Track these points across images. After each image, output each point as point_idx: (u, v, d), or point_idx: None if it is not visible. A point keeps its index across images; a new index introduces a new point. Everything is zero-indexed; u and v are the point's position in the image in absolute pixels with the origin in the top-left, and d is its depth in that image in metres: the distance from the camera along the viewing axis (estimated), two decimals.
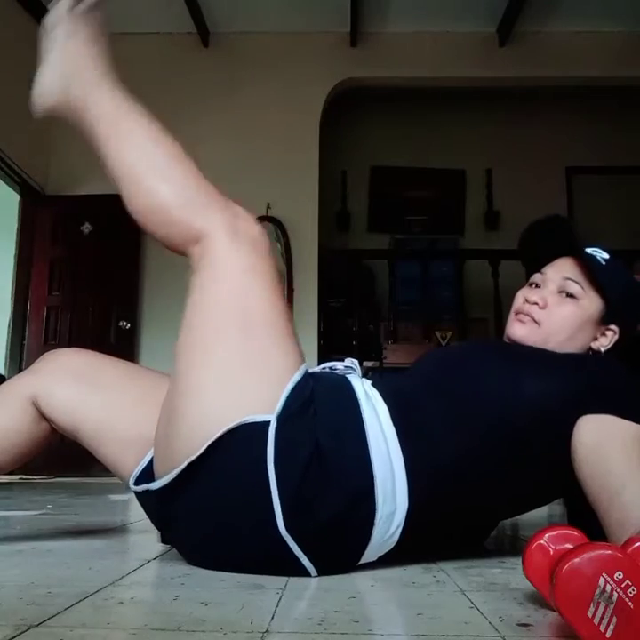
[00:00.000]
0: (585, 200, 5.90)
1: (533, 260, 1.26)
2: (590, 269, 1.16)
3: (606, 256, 1.20)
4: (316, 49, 4.94)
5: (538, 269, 1.23)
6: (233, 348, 1.00)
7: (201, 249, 1.03)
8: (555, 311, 1.17)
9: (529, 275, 1.26)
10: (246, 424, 0.96)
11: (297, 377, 1.01)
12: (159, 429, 1.05)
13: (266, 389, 0.99)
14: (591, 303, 1.16)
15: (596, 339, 1.17)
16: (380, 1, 4.65)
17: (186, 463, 0.97)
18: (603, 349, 1.16)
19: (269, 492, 0.95)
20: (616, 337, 1.16)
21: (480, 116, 5.92)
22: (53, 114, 1.16)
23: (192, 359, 1.01)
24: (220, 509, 0.98)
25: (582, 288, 1.16)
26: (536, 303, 1.18)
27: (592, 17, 4.76)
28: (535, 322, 1.17)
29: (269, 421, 0.96)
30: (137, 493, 1.10)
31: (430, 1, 4.65)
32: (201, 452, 0.96)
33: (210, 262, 1.03)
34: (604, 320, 1.17)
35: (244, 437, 0.96)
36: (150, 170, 1.07)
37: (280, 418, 0.97)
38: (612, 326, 1.16)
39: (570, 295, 1.17)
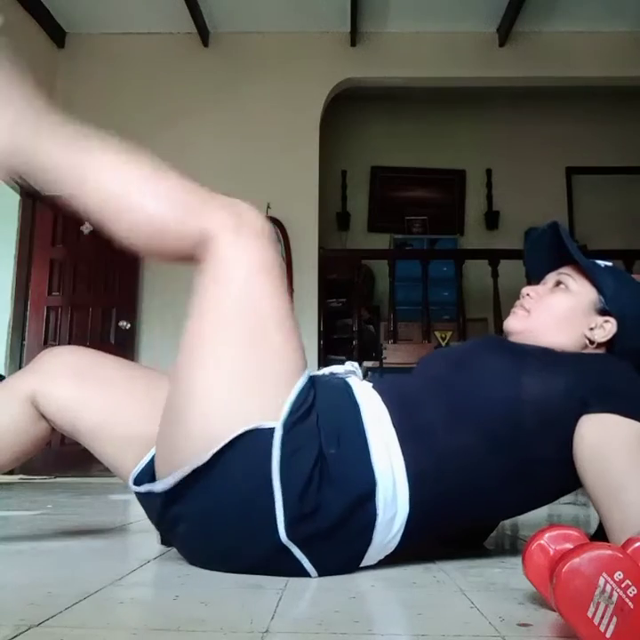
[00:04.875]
0: (585, 200, 5.90)
1: (539, 271, 1.28)
2: (581, 261, 1.17)
3: (610, 264, 1.22)
4: (316, 49, 4.94)
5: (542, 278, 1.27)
6: (239, 353, 0.99)
7: (205, 249, 1.00)
8: (545, 299, 1.20)
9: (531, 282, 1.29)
10: (252, 431, 0.95)
11: (301, 383, 1.01)
12: (162, 429, 1.04)
13: (271, 395, 0.98)
14: (582, 292, 1.17)
15: (591, 329, 1.17)
16: (380, 1, 4.65)
17: (191, 469, 0.96)
18: (600, 340, 1.16)
19: (273, 499, 0.94)
20: (614, 329, 1.16)
21: (480, 116, 5.92)
22: (10, 174, 1.08)
23: (197, 362, 1.00)
24: (221, 514, 0.97)
25: (574, 279, 1.18)
26: (528, 294, 1.21)
27: (592, 17, 4.76)
28: (526, 310, 1.20)
29: (274, 428, 0.96)
30: (138, 493, 1.09)
31: (430, 1, 4.65)
32: (208, 457, 0.95)
33: (215, 263, 1.00)
34: (601, 311, 1.17)
35: (250, 444, 0.95)
36: (130, 191, 1.02)
37: (285, 425, 0.96)
38: (610, 318, 1.16)
39: (562, 287, 1.19)
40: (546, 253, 1.25)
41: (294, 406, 0.98)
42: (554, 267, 1.24)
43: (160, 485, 1.01)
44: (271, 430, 0.96)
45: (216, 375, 0.98)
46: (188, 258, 1.03)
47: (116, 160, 1.04)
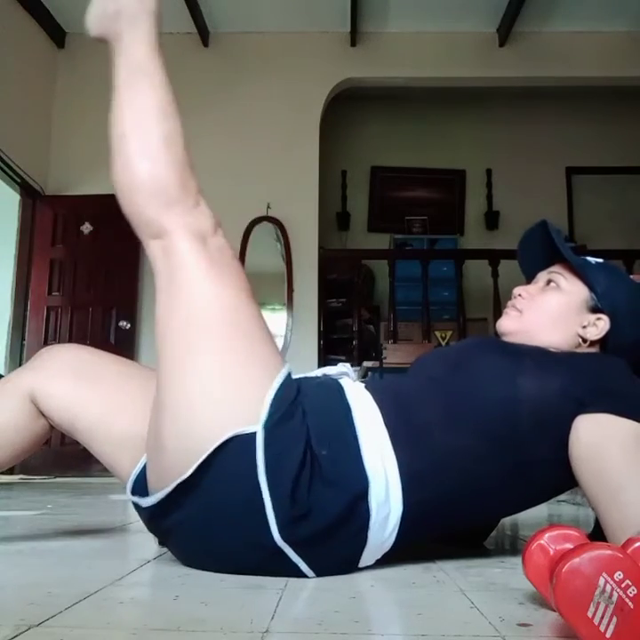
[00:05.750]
0: (585, 200, 5.90)
1: (532, 270, 1.28)
2: (571, 259, 1.17)
3: (601, 261, 1.22)
4: (316, 49, 4.94)
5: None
6: (211, 360, 0.98)
7: (162, 247, 1.00)
8: (537, 299, 1.20)
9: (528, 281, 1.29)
10: (233, 438, 0.94)
11: (278, 381, 0.99)
12: (149, 440, 1.04)
13: (249, 399, 0.97)
14: (573, 290, 1.17)
15: (584, 327, 1.17)
16: (380, 1, 4.65)
17: (175, 484, 0.96)
18: (593, 338, 1.16)
19: (263, 503, 0.94)
20: (607, 326, 1.15)
21: (480, 116, 5.92)
22: (98, 40, 1.19)
23: (171, 373, 0.99)
24: (213, 524, 0.97)
25: (565, 278, 1.18)
26: (520, 295, 1.21)
27: (592, 17, 4.76)
28: (518, 310, 1.20)
29: (256, 432, 0.95)
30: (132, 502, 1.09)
31: (430, 1, 4.65)
32: (190, 473, 0.94)
33: (177, 267, 1.00)
34: (593, 308, 1.17)
35: (233, 452, 0.94)
36: (139, 142, 1.04)
37: (266, 426, 0.95)
38: (602, 316, 1.16)
39: (552, 285, 1.19)
40: (538, 252, 1.25)
41: (273, 407, 0.97)
42: (546, 265, 1.24)
43: (145, 502, 1.01)
44: (253, 434, 0.95)
45: (189, 388, 0.97)
46: (145, 244, 1.03)
47: (154, 104, 1.08)
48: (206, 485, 0.95)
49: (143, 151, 1.04)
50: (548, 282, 1.20)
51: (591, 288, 1.16)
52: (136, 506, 1.06)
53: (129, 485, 1.09)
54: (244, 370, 0.99)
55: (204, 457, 0.94)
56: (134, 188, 1.02)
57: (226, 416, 0.95)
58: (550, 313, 1.18)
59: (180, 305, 1.00)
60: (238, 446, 0.94)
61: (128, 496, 1.08)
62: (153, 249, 1.02)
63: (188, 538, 1.02)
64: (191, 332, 0.99)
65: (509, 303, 1.23)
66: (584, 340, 1.16)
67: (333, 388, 1.09)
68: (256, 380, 0.98)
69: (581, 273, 1.17)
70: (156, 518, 1.04)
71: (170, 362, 1.00)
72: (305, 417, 1.00)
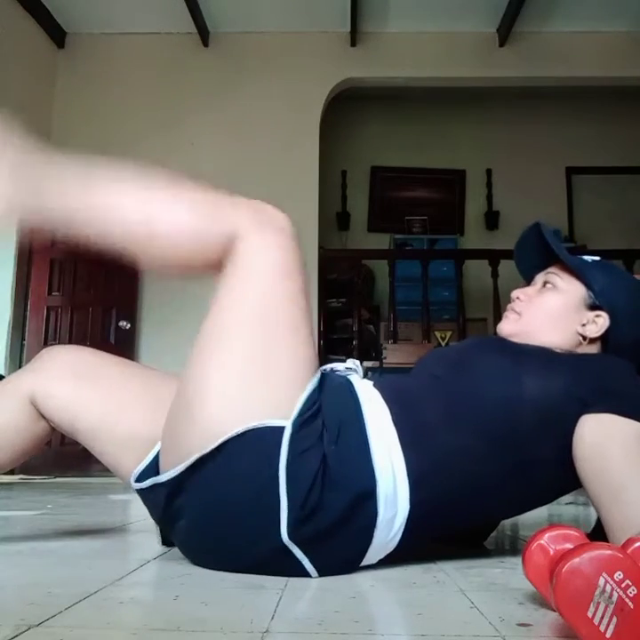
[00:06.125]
0: (585, 200, 5.90)
1: (530, 271, 1.29)
2: (565, 258, 1.18)
3: (597, 258, 1.23)
4: (316, 49, 4.94)
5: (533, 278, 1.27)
6: (255, 351, 0.99)
7: (232, 250, 1.01)
8: (535, 301, 1.20)
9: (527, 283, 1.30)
10: (261, 427, 0.95)
11: (313, 385, 1.01)
12: (169, 422, 1.04)
13: (283, 394, 0.98)
14: (570, 289, 1.18)
15: (583, 325, 1.17)
16: (380, 1, 4.65)
17: (197, 456, 0.96)
18: (593, 335, 1.16)
19: (278, 499, 0.94)
20: (606, 323, 1.15)
21: (480, 116, 5.92)
22: (25, 225, 1.07)
23: (212, 356, 1.00)
24: (225, 509, 0.97)
25: (561, 278, 1.19)
26: (518, 298, 1.22)
27: (592, 17, 4.76)
28: (517, 313, 1.21)
29: (284, 427, 0.96)
30: (141, 490, 1.09)
31: (430, 1, 4.65)
32: (214, 446, 0.95)
33: (238, 262, 1.01)
34: (591, 306, 1.17)
35: (258, 440, 0.95)
36: (157, 217, 1.02)
37: (295, 424, 0.96)
38: (601, 313, 1.16)
39: (549, 286, 1.20)
40: (534, 254, 1.26)
41: (305, 407, 0.98)
42: (544, 266, 1.24)
43: (165, 476, 1.01)
44: (281, 429, 0.96)
45: (229, 370, 0.99)
46: (217, 265, 1.03)
47: (133, 188, 1.04)
48: (225, 466, 0.96)
49: (168, 218, 1.03)
50: (545, 283, 1.21)
51: (588, 286, 1.16)
52: (149, 491, 1.06)
53: (135, 476, 1.08)
54: (286, 366, 1.00)
55: (231, 434, 0.94)
56: (189, 244, 1.02)
57: (260, 406, 0.97)
58: (549, 313, 1.18)
59: (245, 297, 1.01)
60: (265, 436, 0.95)
61: (136, 485, 1.08)
62: (226, 257, 1.01)
63: (197, 523, 1.01)
64: (241, 316, 1.00)
65: (508, 306, 1.24)
66: (584, 338, 1.16)
67: (343, 385, 1.09)
68: (295, 377, 1.00)
69: (577, 271, 1.18)
70: (171, 497, 1.03)
71: (215, 341, 1.01)
72: (324, 418, 1.01)
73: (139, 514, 1.11)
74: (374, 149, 5.99)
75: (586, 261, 1.20)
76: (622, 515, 0.90)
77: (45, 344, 4.49)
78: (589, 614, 0.64)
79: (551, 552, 0.80)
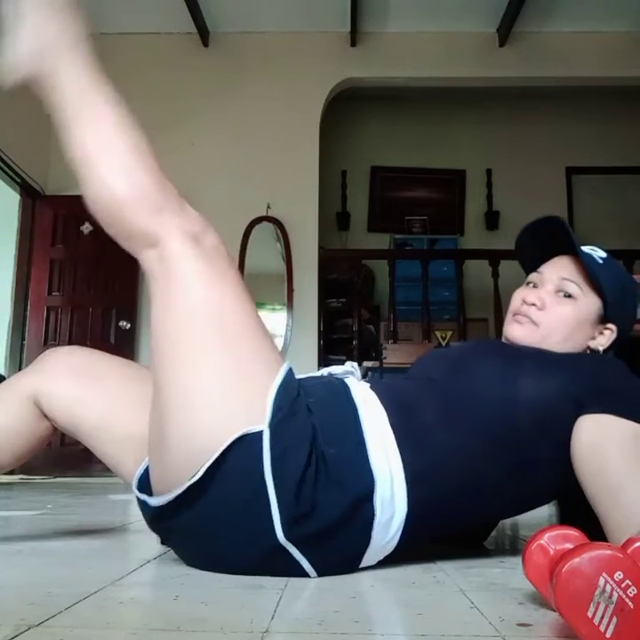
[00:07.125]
0: (585, 200, 5.90)
1: (531, 259, 1.26)
2: (589, 268, 1.15)
3: (603, 255, 1.20)
4: (316, 49, 4.94)
5: (535, 268, 1.23)
6: (213, 361, 0.97)
7: (158, 254, 0.99)
8: (553, 312, 1.16)
9: (527, 274, 1.26)
10: (240, 438, 0.94)
11: (279, 380, 0.99)
12: (151, 442, 1.03)
13: (252, 398, 0.97)
14: (589, 303, 1.15)
15: (593, 338, 1.16)
16: (380, 1, 4.65)
17: (185, 487, 0.95)
18: (601, 348, 1.16)
19: (268, 500, 0.94)
20: (614, 336, 1.16)
21: (480, 116, 5.92)
22: (23, 84, 1.07)
23: (172, 375, 0.99)
24: (217, 523, 0.97)
25: (580, 288, 1.15)
26: (534, 304, 1.17)
27: (592, 17, 4.76)
28: (534, 323, 1.16)
29: (262, 431, 0.95)
30: (137, 498, 1.09)
31: (430, 1, 4.65)
32: (200, 475, 0.94)
33: (174, 271, 0.99)
34: (602, 319, 1.16)
35: (240, 452, 0.94)
36: (109, 159, 1.01)
37: (271, 425, 0.95)
38: (610, 325, 1.16)
39: (568, 295, 1.16)
40: (538, 244, 1.23)
41: (276, 405, 0.97)
42: (543, 257, 1.22)
43: (155, 501, 1.01)
44: (260, 433, 0.95)
45: (192, 389, 0.97)
46: (140, 257, 1.02)
47: (113, 122, 1.03)
48: (213, 486, 0.95)
49: (116, 167, 1.00)
50: (559, 290, 1.17)
51: (604, 299, 1.14)
52: (141, 503, 1.06)
53: (134, 482, 1.09)
54: (247, 369, 0.98)
55: (214, 457, 0.93)
56: (117, 204, 1.00)
57: (230, 417, 0.95)
58: (568, 328, 1.15)
59: (178, 307, 1.00)
60: (245, 445, 0.94)
61: (134, 492, 1.08)
62: (148, 258, 1.01)
63: (192, 536, 1.02)
64: (191, 333, 0.99)
65: (523, 310, 1.18)
66: (592, 351, 1.16)
67: (339, 388, 1.09)
68: (258, 379, 0.98)
69: (596, 281, 1.14)
70: (160, 519, 1.03)
71: (169, 365, 1.00)
72: (310, 415, 1.00)
73: (139, 514, 1.11)
74: (374, 149, 5.98)
75: (599, 263, 1.17)
76: (621, 514, 0.90)
77: (45, 344, 4.49)
78: (589, 614, 0.64)
79: (551, 552, 0.80)
